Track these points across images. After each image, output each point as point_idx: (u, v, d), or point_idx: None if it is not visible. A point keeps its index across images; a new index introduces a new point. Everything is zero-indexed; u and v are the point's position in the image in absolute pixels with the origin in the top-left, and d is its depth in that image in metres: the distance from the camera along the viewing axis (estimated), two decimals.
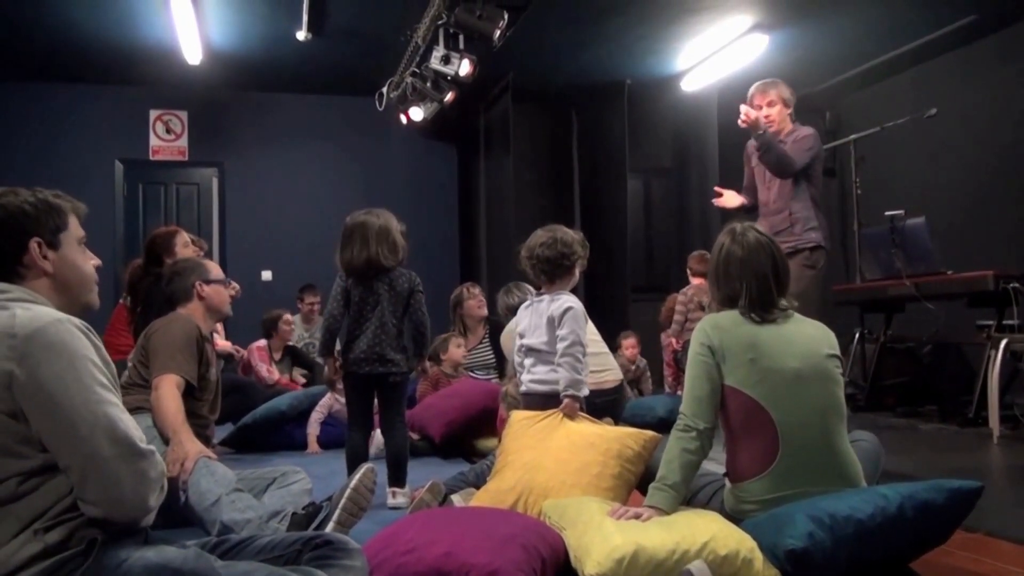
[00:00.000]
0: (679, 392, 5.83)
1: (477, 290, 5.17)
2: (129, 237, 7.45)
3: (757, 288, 2.15)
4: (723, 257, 2.22)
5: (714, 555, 1.78)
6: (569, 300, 2.78)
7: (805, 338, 2.14)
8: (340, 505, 2.28)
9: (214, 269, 3.11)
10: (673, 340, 5.90)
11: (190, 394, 2.82)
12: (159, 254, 3.96)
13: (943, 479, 1.94)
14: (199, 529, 2.33)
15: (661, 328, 6.29)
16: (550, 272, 2.84)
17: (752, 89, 4.11)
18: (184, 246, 3.94)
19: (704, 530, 1.85)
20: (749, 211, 4.22)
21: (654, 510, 2.02)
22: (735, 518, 2.04)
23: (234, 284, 3.19)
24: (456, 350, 4.80)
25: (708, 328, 2.14)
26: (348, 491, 2.31)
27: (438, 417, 4.24)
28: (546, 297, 2.83)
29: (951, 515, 1.91)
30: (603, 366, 4.02)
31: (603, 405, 3.79)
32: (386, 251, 3.02)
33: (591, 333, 4.20)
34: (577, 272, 2.88)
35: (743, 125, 3.87)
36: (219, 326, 5.91)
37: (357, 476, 2.36)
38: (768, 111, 4.00)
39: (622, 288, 7.53)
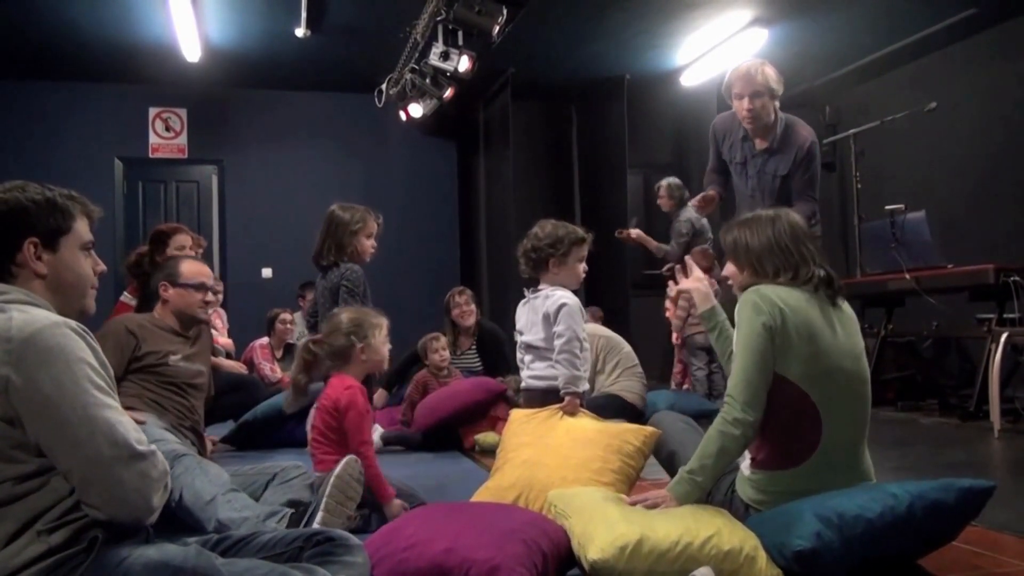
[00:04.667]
0: (685, 387, 5.84)
1: (464, 298, 5.12)
2: (129, 235, 7.46)
3: (821, 258, 2.07)
4: (785, 228, 2.09)
5: (717, 549, 1.78)
6: (563, 296, 2.75)
7: (853, 335, 2.06)
8: (326, 493, 2.28)
9: (188, 272, 3.06)
10: (675, 335, 5.90)
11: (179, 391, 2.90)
12: (153, 251, 3.98)
13: (953, 478, 1.90)
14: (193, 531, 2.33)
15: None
16: (527, 266, 2.84)
17: (732, 75, 3.45)
18: (178, 249, 3.93)
19: (709, 524, 1.84)
20: (723, 200, 3.84)
21: (673, 500, 2.00)
22: (746, 506, 2.02)
23: (211, 294, 3.16)
24: (434, 355, 4.74)
25: (765, 306, 1.96)
26: (332, 479, 2.31)
27: (428, 412, 4.28)
28: (541, 293, 2.81)
29: (961, 514, 1.87)
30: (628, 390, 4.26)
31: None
32: (329, 246, 3.03)
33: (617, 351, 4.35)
34: (560, 267, 2.80)
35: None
36: (219, 323, 5.92)
37: (340, 466, 2.36)
38: (752, 103, 3.39)
39: (622, 284, 7.54)
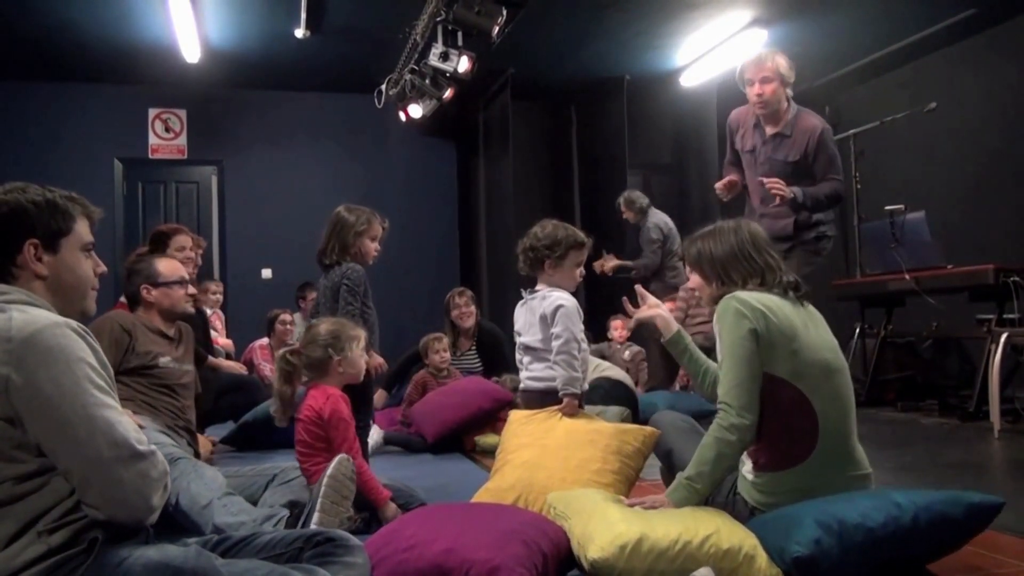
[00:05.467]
0: (691, 391, 5.82)
1: (464, 299, 5.13)
2: (129, 236, 7.45)
3: (780, 264, 2.13)
4: (747, 236, 2.15)
5: (716, 548, 1.78)
6: (560, 297, 2.74)
7: (825, 331, 2.10)
8: (320, 494, 2.29)
9: (167, 270, 3.10)
10: None
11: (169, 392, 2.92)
12: (153, 252, 3.98)
13: (961, 491, 1.88)
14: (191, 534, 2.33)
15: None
16: (525, 264, 2.83)
17: (745, 62, 3.69)
18: (178, 249, 3.94)
19: (708, 523, 1.85)
20: (743, 188, 3.97)
21: (672, 506, 2.01)
22: (751, 509, 2.02)
23: (190, 288, 3.20)
24: (434, 356, 4.75)
25: (747, 311, 1.98)
26: (326, 479, 2.32)
27: (432, 416, 4.26)
28: (538, 294, 2.80)
29: (966, 529, 1.86)
30: (615, 375, 4.45)
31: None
32: (333, 246, 3.06)
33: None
34: (555, 269, 2.78)
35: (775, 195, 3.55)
36: (218, 324, 5.92)
37: (332, 466, 2.37)
38: (762, 88, 3.61)
39: (621, 284, 7.53)
